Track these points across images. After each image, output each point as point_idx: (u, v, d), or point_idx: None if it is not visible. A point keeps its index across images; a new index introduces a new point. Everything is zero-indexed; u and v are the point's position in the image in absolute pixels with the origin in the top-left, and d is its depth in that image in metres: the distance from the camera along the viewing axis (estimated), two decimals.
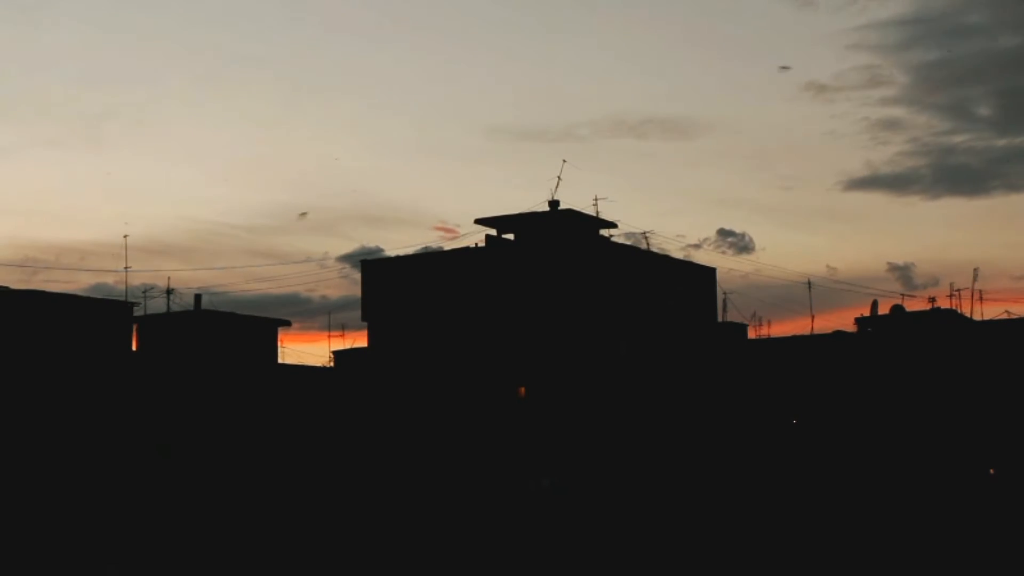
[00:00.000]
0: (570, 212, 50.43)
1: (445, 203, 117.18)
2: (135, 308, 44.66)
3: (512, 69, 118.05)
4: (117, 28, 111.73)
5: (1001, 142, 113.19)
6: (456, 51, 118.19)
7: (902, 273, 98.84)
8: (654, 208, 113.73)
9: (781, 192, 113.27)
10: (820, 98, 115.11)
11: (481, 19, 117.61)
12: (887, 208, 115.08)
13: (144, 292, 47.67)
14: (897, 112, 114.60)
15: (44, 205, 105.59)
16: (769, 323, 59.59)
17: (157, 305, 48.05)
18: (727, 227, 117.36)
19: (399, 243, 46.02)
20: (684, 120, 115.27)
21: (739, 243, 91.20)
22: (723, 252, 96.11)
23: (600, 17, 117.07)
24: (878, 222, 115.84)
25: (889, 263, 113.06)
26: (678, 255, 55.34)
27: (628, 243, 52.74)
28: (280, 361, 49.69)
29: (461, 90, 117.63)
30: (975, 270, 56.02)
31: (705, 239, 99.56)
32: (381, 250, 51.50)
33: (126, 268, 48.06)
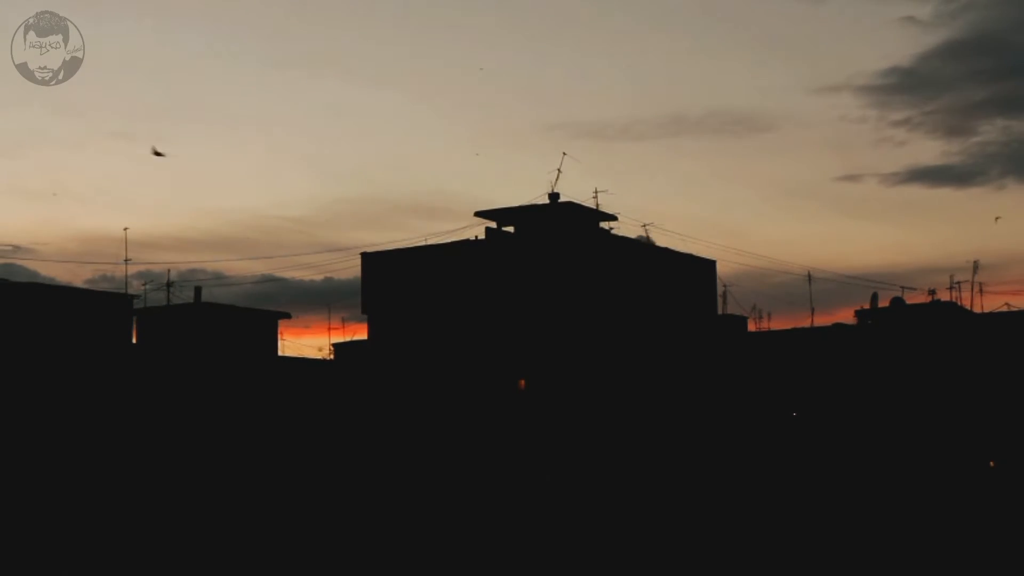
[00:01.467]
0: (570, 204, 50.43)
1: (500, 197, 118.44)
2: (135, 301, 44.77)
3: (571, 65, 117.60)
4: (182, 21, 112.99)
5: None
6: (517, 46, 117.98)
7: (973, 265, 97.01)
8: (716, 203, 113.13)
9: (848, 184, 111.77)
10: (898, 86, 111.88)
11: (539, 15, 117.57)
12: (956, 200, 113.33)
13: (144, 284, 47.78)
14: (978, 99, 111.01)
15: (109, 195, 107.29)
16: (769, 316, 59.58)
17: (159, 297, 48.22)
18: (792, 220, 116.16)
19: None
20: (750, 113, 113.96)
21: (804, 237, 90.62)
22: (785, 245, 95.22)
23: (658, 10, 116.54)
24: (948, 213, 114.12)
25: (965, 257, 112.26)
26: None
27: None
28: (280, 353, 49.80)
29: (521, 86, 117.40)
30: (975, 263, 55.85)
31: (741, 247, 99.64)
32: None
33: (126, 260, 48.18)
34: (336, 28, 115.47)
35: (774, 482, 50.14)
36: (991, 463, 49.43)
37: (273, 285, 56.93)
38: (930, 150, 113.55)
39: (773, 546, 43.47)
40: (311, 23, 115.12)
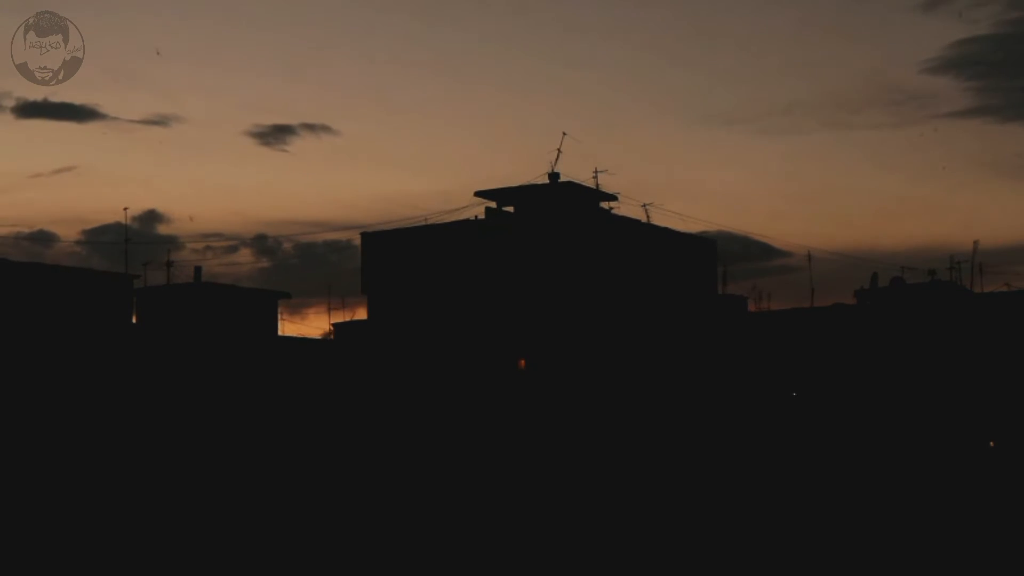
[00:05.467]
0: (570, 184, 50.35)
1: (653, 193, 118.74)
2: (135, 280, 44.68)
3: (721, 53, 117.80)
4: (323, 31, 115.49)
5: None
6: (674, 37, 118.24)
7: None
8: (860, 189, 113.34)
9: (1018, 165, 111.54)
10: None
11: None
12: None
13: (144, 264, 47.64)
14: None
15: (255, 191, 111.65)
16: (769, 297, 59.54)
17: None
18: (947, 203, 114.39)
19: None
20: (909, 96, 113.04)
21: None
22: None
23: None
24: None
25: None
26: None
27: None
28: (280, 333, 49.72)
29: (677, 74, 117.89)
30: (975, 243, 55.70)
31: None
32: None
33: (126, 241, 48.11)
34: (498, 23, 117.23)
35: (774, 462, 50.18)
36: (991, 443, 49.50)
37: None
38: None
39: (773, 526, 43.56)
40: (471, 17, 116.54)
